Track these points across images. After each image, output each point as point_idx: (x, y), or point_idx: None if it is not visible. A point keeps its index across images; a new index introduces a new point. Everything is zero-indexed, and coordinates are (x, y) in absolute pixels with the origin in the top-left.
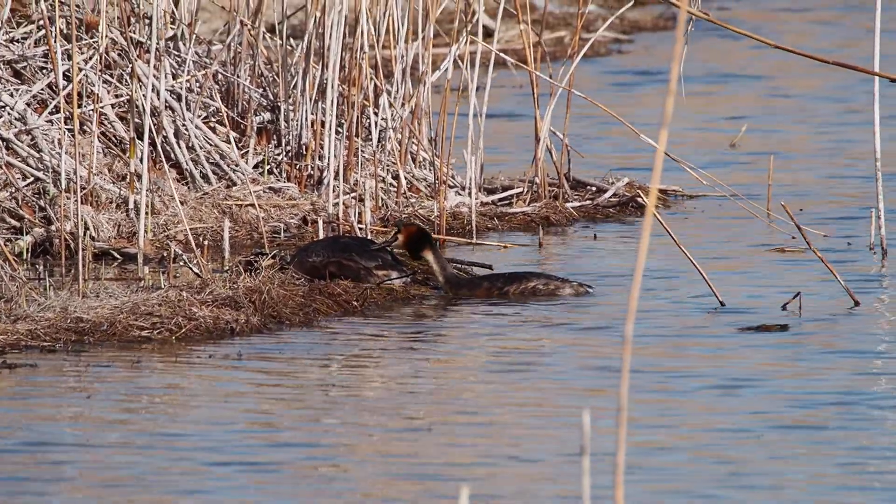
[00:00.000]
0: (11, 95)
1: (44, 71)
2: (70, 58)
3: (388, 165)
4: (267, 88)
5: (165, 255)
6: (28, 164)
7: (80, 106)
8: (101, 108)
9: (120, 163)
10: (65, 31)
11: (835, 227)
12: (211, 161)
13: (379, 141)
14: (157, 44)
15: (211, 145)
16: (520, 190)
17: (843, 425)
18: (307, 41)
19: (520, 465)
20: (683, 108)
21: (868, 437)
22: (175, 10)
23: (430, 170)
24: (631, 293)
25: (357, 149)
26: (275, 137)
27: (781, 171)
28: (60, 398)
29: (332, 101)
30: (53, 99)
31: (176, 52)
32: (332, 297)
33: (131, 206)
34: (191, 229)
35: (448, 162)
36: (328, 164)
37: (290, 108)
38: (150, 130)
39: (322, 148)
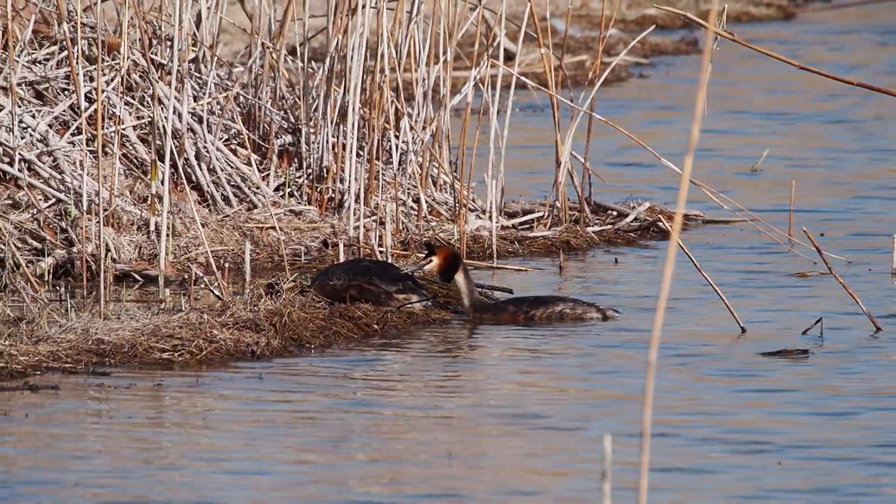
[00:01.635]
0: (33, 117)
1: (66, 92)
2: (92, 79)
3: (408, 189)
4: (288, 111)
5: (186, 277)
6: (50, 186)
7: (101, 128)
8: (123, 129)
9: (141, 185)
10: (87, 53)
11: (856, 253)
12: (232, 183)
13: (400, 164)
14: (179, 66)
15: (232, 168)
16: (540, 214)
17: (864, 450)
18: (328, 64)
19: (539, 495)
20: (703, 133)
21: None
22: (196, 32)
23: (450, 193)
24: (655, 319)
25: (378, 172)
26: (296, 160)
27: (803, 195)
28: (81, 420)
29: (353, 123)
30: (75, 120)
31: (197, 75)
32: (352, 320)
33: (152, 228)
34: (212, 252)
35: (469, 185)
36: (349, 187)
37: (312, 130)
38: (172, 152)
39: (343, 171)
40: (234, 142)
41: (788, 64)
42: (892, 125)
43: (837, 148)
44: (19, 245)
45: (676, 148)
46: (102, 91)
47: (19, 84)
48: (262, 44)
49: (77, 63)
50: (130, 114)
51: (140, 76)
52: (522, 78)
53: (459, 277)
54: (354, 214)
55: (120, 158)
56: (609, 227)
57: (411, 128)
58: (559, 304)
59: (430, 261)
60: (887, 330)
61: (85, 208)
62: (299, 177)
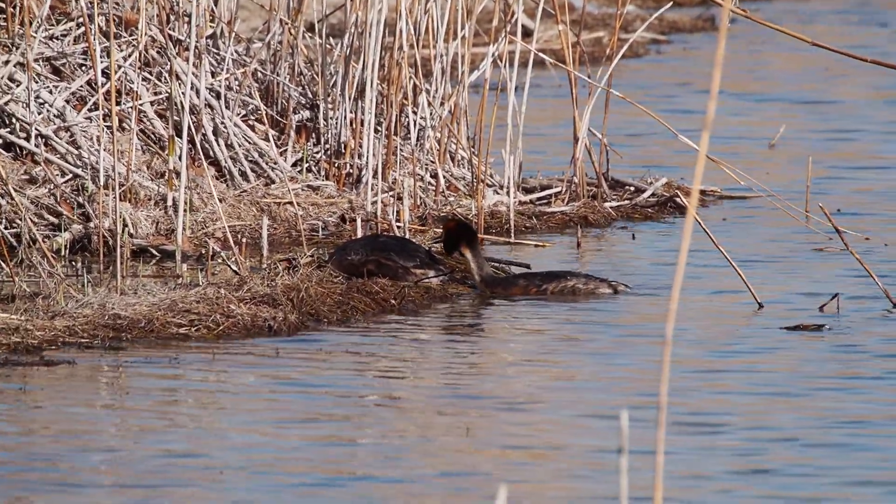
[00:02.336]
0: (51, 92)
1: (83, 68)
2: (109, 55)
3: (426, 164)
4: (306, 87)
5: (204, 252)
6: (67, 161)
7: (118, 103)
8: (140, 105)
9: (159, 160)
10: (104, 29)
11: (872, 228)
12: (249, 159)
13: (418, 140)
14: (197, 42)
15: (250, 143)
16: (558, 189)
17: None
18: (347, 40)
19: (557, 465)
20: (720, 109)
21: None
22: (214, 7)
23: (468, 169)
24: (672, 294)
25: (396, 147)
26: (314, 136)
27: (819, 171)
28: (98, 395)
29: (372, 99)
30: (92, 96)
31: (215, 50)
32: (369, 295)
33: (170, 203)
34: (229, 227)
35: (486, 161)
36: (367, 162)
37: (330, 106)
38: (189, 128)
39: (361, 146)
40: (252, 117)
41: (801, 40)
42: None
43: (851, 125)
44: (36, 220)
45: (694, 124)
46: (120, 67)
47: (36, 60)
48: (281, 20)
49: (94, 39)
50: (148, 89)
51: (158, 52)
52: (540, 54)
53: (467, 253)
54: (372, 190)
55: (137, 134)
56: (626, 202)
57: (429, 104)
58: (571, 279)
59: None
60: None
61: (102, 183)
62: (317, 152)
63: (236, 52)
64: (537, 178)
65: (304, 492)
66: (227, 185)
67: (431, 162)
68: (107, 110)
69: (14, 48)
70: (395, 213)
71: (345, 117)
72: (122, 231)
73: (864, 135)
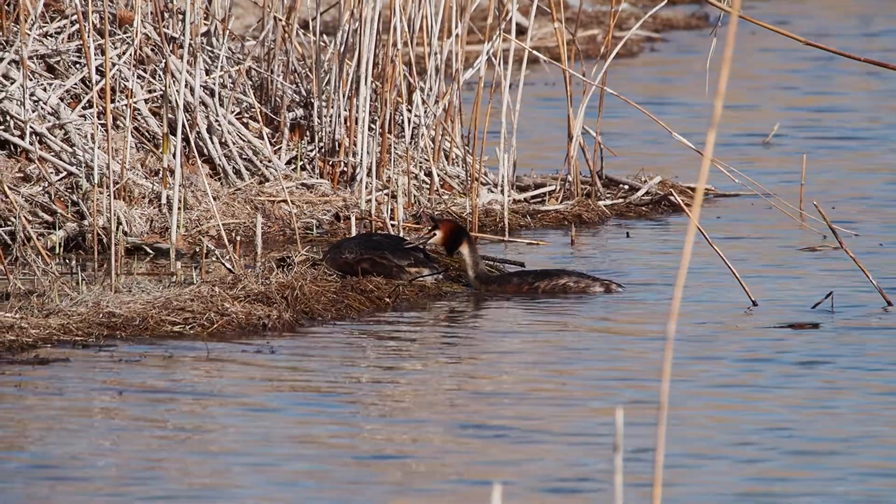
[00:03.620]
0: (45, 90)
1: (77, 66)
2: (103, 53)
3: (420, 162)
4: (300, 84)
5: (198, 250)
6: (61, 159)
7: (113, 101)
8: (135, 103)
9: (153, 158)
10: (98, 26)
11: (867, 227)
12: (244, 157)
13: (412, 138)
14: (191, 39)
15: (244, 141)
16: (552, 188)
17: (872, 423)
18: (341, 38)
19: (551, 463)
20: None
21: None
22: (209, 5)
23: (462, 167)
24: (675, 293)
25: (390, 145)
26: (308, 134)
27: (814, 169)
28: (92, 393)
29: (366, 97)
30: (87, 94)
31: (209, 48)
32: (364, 293)
33: (164, 201)
34: (223, 225)
35: (481, 159)
36: (361, 160)
37: (324, 104)
38: (184, 126)
39: (355, 144)
40: (246, 115)
41: (795, 39)
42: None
43: (848, 123)
44: (30, 218)
45: (687, 122)
46: (114, 64)
47: (31, 57)
48: (275, 17)
49: (88, 36)
50: (142, 87)
51: (152, 49)
52: (535, 52)
53: (465, 250)
54: (366, 188)
55: (131, 132)
56: (620, 200)
57: (423, 102)
58: (563, 277)
59: (434, 234)
60: None
61: (96, 181)
62: (311, 150)
63: (230, 49)
64: (531, 177)
65: (298, 490)
66: (222, 183)
67: (426, 160)
68: (101, 108)
69: (8, 46)
70: (389, 212)
71: (339, 115)
72: (117, 229)
73: (858, 132)
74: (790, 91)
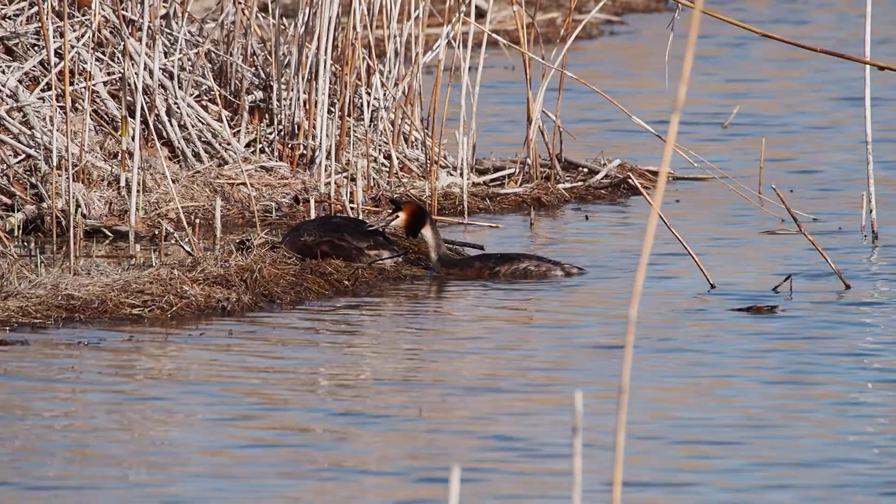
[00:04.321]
0: (3, 72)
1: (36, 48)
2: (62, 35)
3: (380, 145)
4: (259, 67)
5: (157, 233)
6: (19, 141)
7: (71, 83)
8: (93, 85)
9: (112, 140)
10: (57, 9)
11: (825, 211)
12: (203, 139)
13: (371, 121)
14: (150, 22)
15: (203, 124)
16: (511, 171)
17: (832, 400)
18: (300, 20)
19: (511, 447)
20: (673, 89)
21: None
22: None
23: (422, 150)
24: (637, 276)
25: (349, 128)
26: (267, 116)
27: (773, 153)
28: (51, 376)
29: (325, 80)
30: (45, 76)
31: (168, 31)
32: (323, 276)
33: (123, 183)
34: (182, 207)
35: (440, 142)
36: (320, 143)
37: (283, 87)
38: (143, 108)
39: (314, 127)
40: (206, 98)
41: (751, 31)
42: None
43: (808, 107)
44: None
45: (645, 106)
46: (73, 47)
47: None
48: (234, 0)
49: (47, 18)
50: (101, 70)
51: (111, 32)
52: (494, 35)
53: (427, 232)
54: (326, 171)
55: (90, 114)
56: (580, 183)
57: (383, 84)
58: (524, 262)
59: (397, 216)
60: (856, 287)
61: (55, 164)
62: (270, 133)
63: (189, 32)
64: (490, 160)
65: (257, 471)
66: (181, 166)
67: (385, 143)
68: (60, 90)
69: None
70: (348, 195)
71: (298, 98)
72: (76, 211)
73: (814, 117)
74: (752, 73)
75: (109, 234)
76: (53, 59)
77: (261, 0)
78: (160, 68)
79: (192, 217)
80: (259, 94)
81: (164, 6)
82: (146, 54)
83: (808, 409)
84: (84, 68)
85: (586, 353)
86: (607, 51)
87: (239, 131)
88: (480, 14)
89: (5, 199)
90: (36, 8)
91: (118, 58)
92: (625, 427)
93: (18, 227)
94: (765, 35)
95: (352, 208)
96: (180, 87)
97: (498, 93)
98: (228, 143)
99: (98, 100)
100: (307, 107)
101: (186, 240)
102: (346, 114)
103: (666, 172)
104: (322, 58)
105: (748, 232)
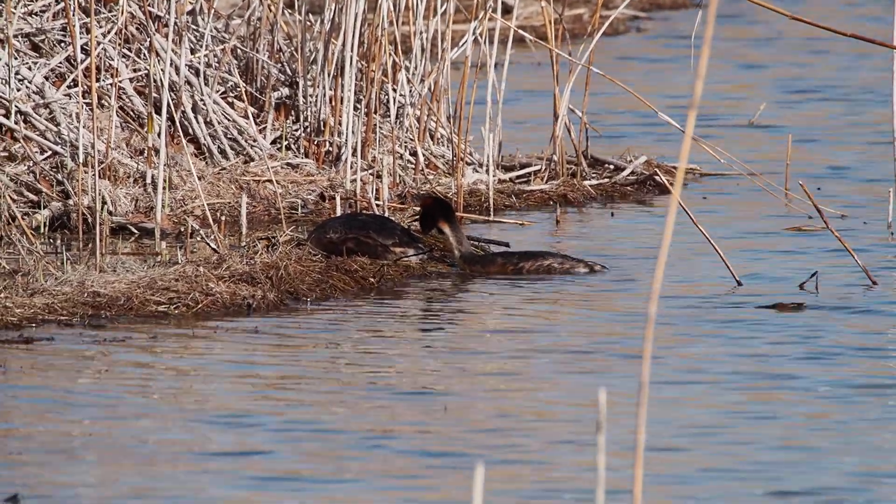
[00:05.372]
0: (30, 69)
1: (62, 44)
2: (88, 31)
3: (406, 142)
4: (285, 64)
5: (183, 230)
6: (46, 138)
7: (98, 80)
8: (120, 82)
9: (138, 137)
10: (83, 5)
11: (852, 207)
12: (229, 136)
13: (397, 117)
14: (176, 18)
15: (229, 120)
16: (538, 167)
17: (863, 400)
18: (326, 16)
19: (535, 444)
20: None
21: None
22: None
23: (448, 147)
24: (655, 274)
25: (375, 125)
26: (293, 113)
27: (800, 149)
28: (77, 372)
29: (351, 77)
30: (71, 73)
31: (194, 27)
32: (348, 273)
33: (149, 180)
34: (208, 204)
35: (466, 139)
36: (346, 140)
37: (309, 83)
38: (169, 105)
39: (340, 124)
40: (231, 94)
41: (781, 14)
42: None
43: (841, 101)
44: (15, 197)
45: (673, 101)
46: (99, 43)
47: (15, 36)
48: None
49: (73, 15)
50: (127, 66)
51: (137, 28)
52: (521, 31)
53: (447, 229)
54: (351, 168)
55: (116, 111)
56: (606, 180)
57: (409, 81)
58: (548, 258)
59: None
60: (883, 284)
61: (81, 161)
62: (296, 130)
63: (216, 28)
64: (517, 156)
65: (280, 469)
66: (207, 163)
67: (411, 140)
68: (86, 87)
69: None
70: (374, 192)
71: (324, 95)
72: (102, 208)
73: (845, 107)
74: (780, 69)
75: (135, 231)
76: (80, 56)
77: None
78: (186, 65)
79: (218, 214)
80: (285, 91)
81: (190, 2)
82: (172, 51)
83: (836, 405)
84: (110, 65)
85: (610, 350)
86: (635, 47)
87: (265, 128)
88: (507, 10)
89: (32, 196)
90: (63, 4)
91: (144, 54)
92: (645, 424)
93: (45, 224)
94: (794, 18)
95: (377, 205)
96: (206, 84)
97: (525, 89)
98: (254, 140)
99: (124, 96)
100: (333, 103)
101: (212, 237)
102: (371, 110)
103: (684, 168)
104: (348, 54)
105: (775, 229)
